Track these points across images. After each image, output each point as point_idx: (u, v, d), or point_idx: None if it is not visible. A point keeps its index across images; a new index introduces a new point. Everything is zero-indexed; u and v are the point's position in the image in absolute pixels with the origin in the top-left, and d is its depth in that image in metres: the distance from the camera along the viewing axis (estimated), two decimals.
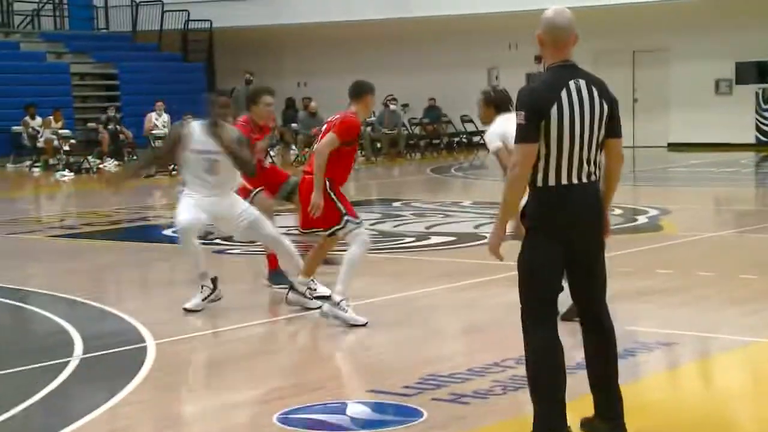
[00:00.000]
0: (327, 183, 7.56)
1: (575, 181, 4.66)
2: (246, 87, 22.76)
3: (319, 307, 7.80)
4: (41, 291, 9.28)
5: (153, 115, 24.44)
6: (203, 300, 8.12)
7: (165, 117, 24.35)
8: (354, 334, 7.49)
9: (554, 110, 4.60)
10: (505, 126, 7.46)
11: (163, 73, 28.09)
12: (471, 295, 8.70)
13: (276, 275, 8.89)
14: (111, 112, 25.43)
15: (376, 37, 28.54)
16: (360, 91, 7.82)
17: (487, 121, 7.81)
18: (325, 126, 7.80)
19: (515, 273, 4.81)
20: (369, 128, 25.55)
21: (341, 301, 7.50)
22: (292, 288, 8.09)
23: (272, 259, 9.01)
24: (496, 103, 7.74)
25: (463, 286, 9.02)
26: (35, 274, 10.51)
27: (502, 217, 4.73)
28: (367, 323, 7.50)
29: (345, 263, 7.61)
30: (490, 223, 12.67)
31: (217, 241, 11.60)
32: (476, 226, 12.74)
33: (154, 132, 23.77)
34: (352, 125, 7.66)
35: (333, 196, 7.59)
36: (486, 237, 11.27)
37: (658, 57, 26.54)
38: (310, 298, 8.07)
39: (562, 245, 4.66)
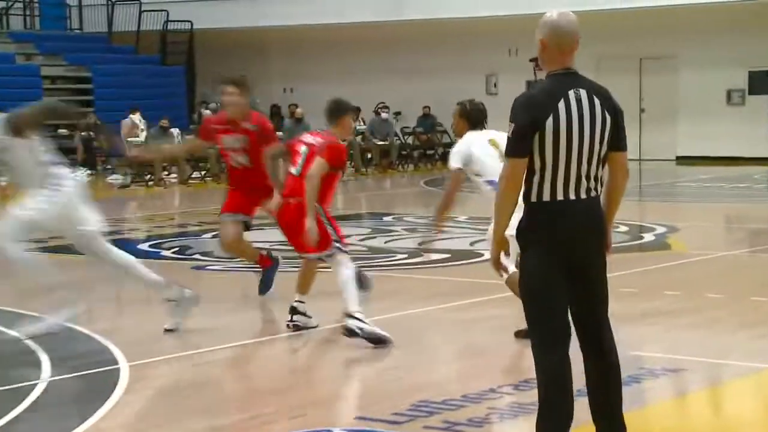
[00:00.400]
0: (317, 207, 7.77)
1: (572, 196, 4.66)
2: None
3: (316, 326, 8.04)
4: (5, 308, 9.24)
5: (130, 120, 24.33)
6: (176, 313, 8.09)
7: (141, 123, 24.31)
8: (340, 356, 7.48)
9: (550, 121, 4.60)
10: (470, 146, 7.79)
11: (141, 77, 28.09)
12: (466, 316, 8.70)
13: (267, 271, 9.26)
14: (91, 119, 25.30)
15: (367, 41, 28.59)
16: (337, 112, 8.05)
17: (460, 133, 8.06)
18: (305, 148, 7.98)
19: (512, 293, 4.81)
20: (359, 138, 25.57)
21: (361, 318, 7.60)
22: (295, 311, 8.10)
23: (262, 259, 9.42)
24: (469, 117, 7.99)
25: (458, 306, 9.02)
26: None
27: (496, 231, 4.74)
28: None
29: (344, 286, 7.72)
30: (487, 240, 12.68)
31: (196, 256, 11.58)
32: (472, 243, 12.75)
33: (130, 139, 23.67)
34: (341, 152, 7.97)
35: (325, 220, 7.81)
36: (483, 254, 11.24)
37: (666, 64, 26.64)
38: (310, 317, 8.13)
39: (561, 263, 4.67)
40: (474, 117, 7.96)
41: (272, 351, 7.95)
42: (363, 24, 27.69)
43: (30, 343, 7.77)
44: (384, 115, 26.58)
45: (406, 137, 27.80)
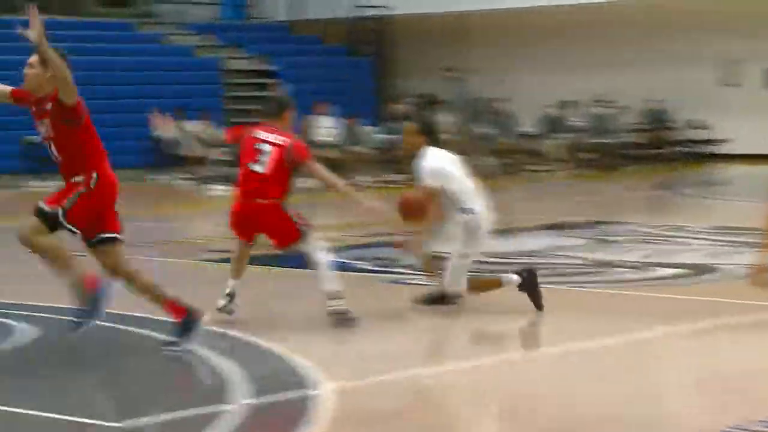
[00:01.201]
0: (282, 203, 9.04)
1: None
2: (452, 81, 23.60)
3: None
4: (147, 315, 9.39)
5: (317, 118, 24.75)
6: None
7: (328, 121, 24.72)
8: (559, 383, 7.40)
9: None
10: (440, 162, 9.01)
11: (328, 70, 28.53)
12: (709, 340, 8.54)
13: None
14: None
15: (584, 26, 28.33)
16: (281, 109, 9.28)
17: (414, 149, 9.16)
18: (268, 147, 9.01)
19: None
20: (572, 135, 25.44)
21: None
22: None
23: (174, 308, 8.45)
24: (426, 132, 9.18)
25: (699, 329, 8.87)
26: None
27: None
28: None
29: (320, 268, 9.12)
30: (733, 253, 12.40)
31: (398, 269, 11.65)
32: (710, 255, 12.47)
33: (321, 138, 23.98)
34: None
35: (289, 213, 9.09)
36: (726, 269, 10.99)
37: None
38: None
39: None
40: (429, 132, 9.19)
41: (496, 371, 7.88)
42: (577, 6, 27.46)
43: (217, 360, 7.89)
44: (604, 109, 26.31)
45: (630, 134, 27.36)
